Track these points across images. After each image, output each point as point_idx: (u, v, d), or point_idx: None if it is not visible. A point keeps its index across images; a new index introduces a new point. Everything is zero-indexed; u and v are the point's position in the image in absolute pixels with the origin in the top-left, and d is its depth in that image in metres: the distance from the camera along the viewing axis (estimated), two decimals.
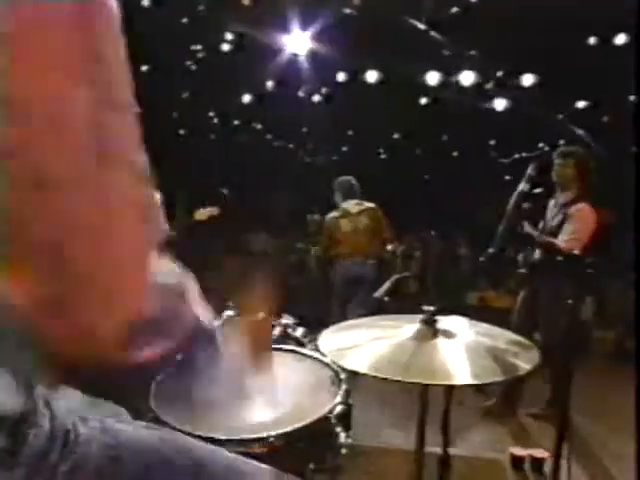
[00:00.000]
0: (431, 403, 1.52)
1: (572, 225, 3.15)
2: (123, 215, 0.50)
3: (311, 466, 1.20)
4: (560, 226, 3.19)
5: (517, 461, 2.80)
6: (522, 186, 2.98)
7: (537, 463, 2.76)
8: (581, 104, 7.84)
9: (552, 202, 3.40)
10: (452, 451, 1.65)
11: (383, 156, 12.22)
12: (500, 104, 7.38)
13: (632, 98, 7.16)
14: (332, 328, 1.23)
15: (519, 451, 2.83)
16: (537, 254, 3.26)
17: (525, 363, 0.98)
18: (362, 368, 1.01)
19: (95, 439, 0.66)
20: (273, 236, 9.56)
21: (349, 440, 1.23)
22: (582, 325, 5.10)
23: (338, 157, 11.00)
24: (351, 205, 4.42)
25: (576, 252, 2.94)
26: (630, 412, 2.03)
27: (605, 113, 8.24)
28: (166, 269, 0.59)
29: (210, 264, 7.52)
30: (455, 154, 11.68)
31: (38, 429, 0.60)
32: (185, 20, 5.55)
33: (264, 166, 10.71)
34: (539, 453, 2.78)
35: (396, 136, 10.71)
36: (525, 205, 3.00)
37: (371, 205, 4.42)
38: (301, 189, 10.25)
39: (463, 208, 9.50)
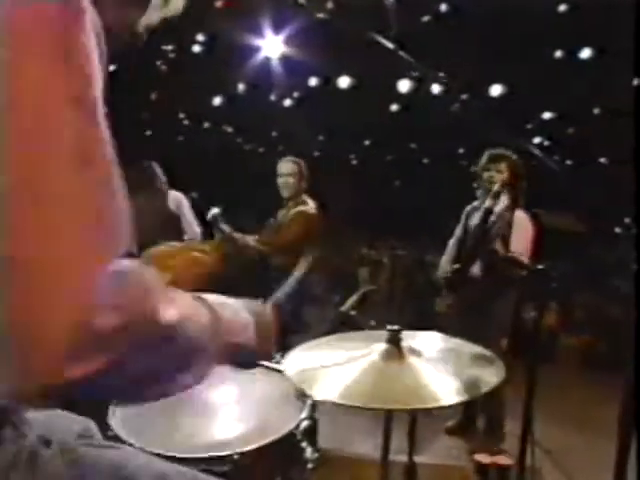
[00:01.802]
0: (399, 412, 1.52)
1: (521, 235, 3.04)
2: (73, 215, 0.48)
3: None
4: (501, 235, 3.02)
5: (482, 468, 2.81)
6: (488, 202, 2.95)
7: (502, 470, 2.78)
8: (547, 115, 8.02)
9: (470, 208, 3.32)
10: (418, 459, 1.65)
11: (354, 162, 12.26)
12: (470, 112, 7.49)
13: (596, 111, 7.36)
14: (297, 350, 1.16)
15: (484, 458, 2.84)
16: (477, 269, 3.12)
17: (490, 378, 0.97)
18: (330, 396, 0.96)
19: (56, 459, 0.69)
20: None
21: (315, 455, 1.21)
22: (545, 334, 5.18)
23: (309, 162, 11.00)
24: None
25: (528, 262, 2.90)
26: (597, 418, 2.06)
27: (570, 125, 8.45)
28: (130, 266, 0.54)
29: None
30: (426, 161, 11.80)
31: (5, 447, 0.64)
32: None
33: (234, 169, 10.62)
34: (503, 460, 2.80)
35: (367, 142, 10.76)
36: (491, 220, 2.97)
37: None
38: (271, 193, 10.19)
39: (433, 215, 9.58)
